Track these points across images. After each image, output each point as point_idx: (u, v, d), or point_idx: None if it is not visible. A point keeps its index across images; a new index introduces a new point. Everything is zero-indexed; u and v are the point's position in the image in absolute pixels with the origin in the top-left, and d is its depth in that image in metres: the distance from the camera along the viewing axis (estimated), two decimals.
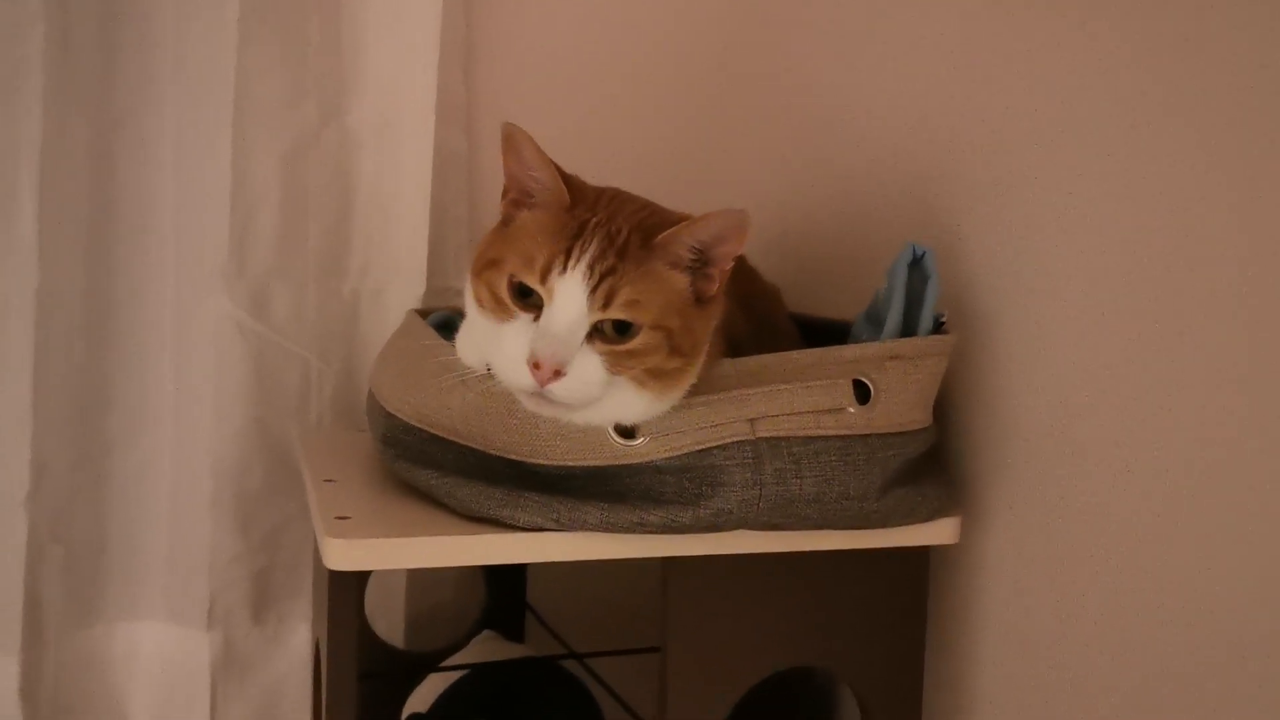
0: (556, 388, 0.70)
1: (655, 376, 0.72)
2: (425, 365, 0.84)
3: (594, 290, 0.70)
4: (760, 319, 0.92)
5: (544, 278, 0.71)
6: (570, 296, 0.70)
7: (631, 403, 0.73)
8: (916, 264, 0.85)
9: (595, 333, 0.71)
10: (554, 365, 0.70)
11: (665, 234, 0.72)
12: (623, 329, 0.71)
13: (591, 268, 0.71)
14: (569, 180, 0.76)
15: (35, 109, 1.04)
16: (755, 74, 1.26)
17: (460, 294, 1.15)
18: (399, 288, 1.19)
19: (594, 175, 1.06)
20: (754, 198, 1.25)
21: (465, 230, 1.23)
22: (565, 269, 0.71)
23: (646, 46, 1.29)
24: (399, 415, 0.85)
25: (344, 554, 0.75)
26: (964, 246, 0.90)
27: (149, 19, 1.09)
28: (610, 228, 0.73)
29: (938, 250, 0.88)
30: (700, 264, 0.74)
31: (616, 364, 0.71)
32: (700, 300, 0.74)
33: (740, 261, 0.95)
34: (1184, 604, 0.71)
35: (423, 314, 0.99)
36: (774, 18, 1.23)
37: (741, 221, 0.72)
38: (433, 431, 0.82)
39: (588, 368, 0.71)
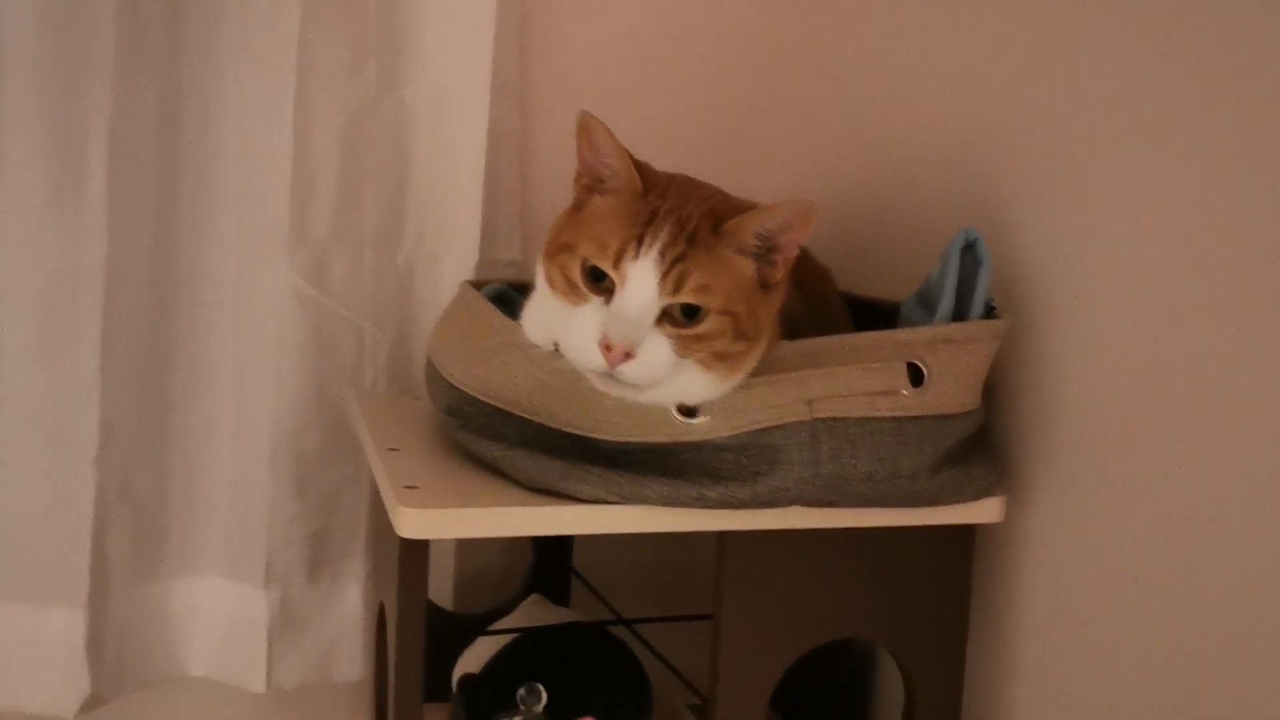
0: (626, 369, 0.73)
1: (721, 359, 0.75)
2: (489, 340, 0.87)
3: (665, 275, 0.73)
4: (815, 300, 0.94)
5: (617, 262, 0.74)
6: (642, 281, 0.73)
7: (696, 383, 0.76)
8: (969, 249, 0.88)
9: (665, 316, 0.74)
10: (625, 348, 0.72)
11: (733, 221, 0.75)
12: (691, 313, 0.74)
13: (663, 254, 0.73)
14: (641, 168, 0.78)
15: (105, 80, 1.06)
16: (808, 57, 1.28)
17: (511, 265, 1.17)
18: (452, 258, 1.21)
19: (647, 155, 1.08)
20: (804, 178, 1.27)
21: (517, 203, 1.24)
22: (638, 255, 0.73)
23: (703, 29, 1.31)
24: (463, 388, 0.88)
25: (416, 523, 0.78)
26: (1016, 232, 0.92)
27: None
28: (680, 214, 0.75)
29: (990, 236, 0.90)
30: (766, 250, 0.77)
31: (685, 347, 0.74)
32: (765, 286, 0.77)
33: None
34: (1221, 586, 0.73)
35: (476, 285, 1.01)
36: (820, 4, 1.24)
37: (808, 211, 0.75)
38: (497, 405, 0.85)
39: (657, 350, 0.73)
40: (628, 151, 0.78)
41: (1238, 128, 0.73)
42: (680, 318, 0.74)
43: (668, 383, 0.75)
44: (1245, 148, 0.72)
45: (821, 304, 0.96)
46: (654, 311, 0.73)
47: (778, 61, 1.30)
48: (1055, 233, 0.88)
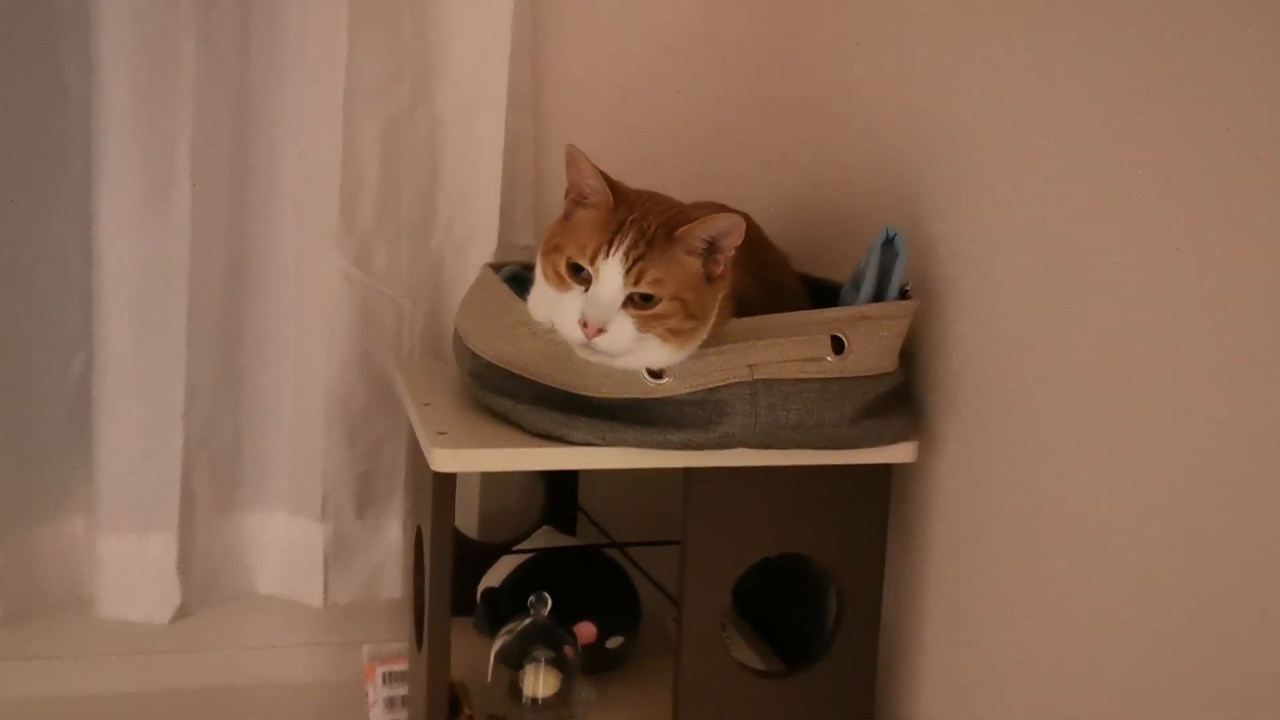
0: (599, 341, 0.95)
1: (675, 334, 0.96)
2: (503, 317, 1.09)
3: (628, 271, 0.95)
4: (770, 284, 1.15)
5: (593, 260, 0.95)
6: (611, 275, 0.95)
7: (658, 353, 0.97)
8: (889, 243, 1.08)
9: (629, 301, 0.95)
10: (598, 325, 0.94)
11: (682, 230, 0.96)
12: (648, 299, 0.95)
13: (627, 254, 0.95)
14: (614, 186, 1.00)
15: (189, 99, 1.27)
16: (779, 77, 1.48)
17: (525, 249, 1.38)
18: (476, 244, 1.42)
19: (638, 154, 1.30)
20: (774, 178, 1.48)
21: (531, 197, 1.45)
22: (608, 255, 0.95)
23: (689, 50, 1.50)
24: (483, 355, 1.10)
25: (446, 460, 1.01)
26: (932, 228, 1.13)
27: (275, 22, 1.32)
28: (643, 224, 0.96)
29: (912, 228, 1.11)
30: (710, 251, 0.98)
31: (644, 325, 0.95)
32: (709, 278, 0.98)
33: (755, 237, 1.20)
34: (1086, 506, 0.91)
35: (495, 268, 1.23)
36: (792, 26, 1.45)
37: (738, 224, 0.96)
38: (509, 369, 1.07)
39: (622, 328, 0.95)
40: (604, 175, 0.99)
41: (1111, 140, 0.92)
42: (640, 302, 0.96)
43: (634, 352, 0.97)
44: (1113, 161, 0.92)
45: (777, 287, 1.16)
46: (620, 298, 0.95)
47: (754, 78, 1.50)
48: (962, 229, 1.09)
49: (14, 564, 1.32)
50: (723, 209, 1.21)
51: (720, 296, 0.99)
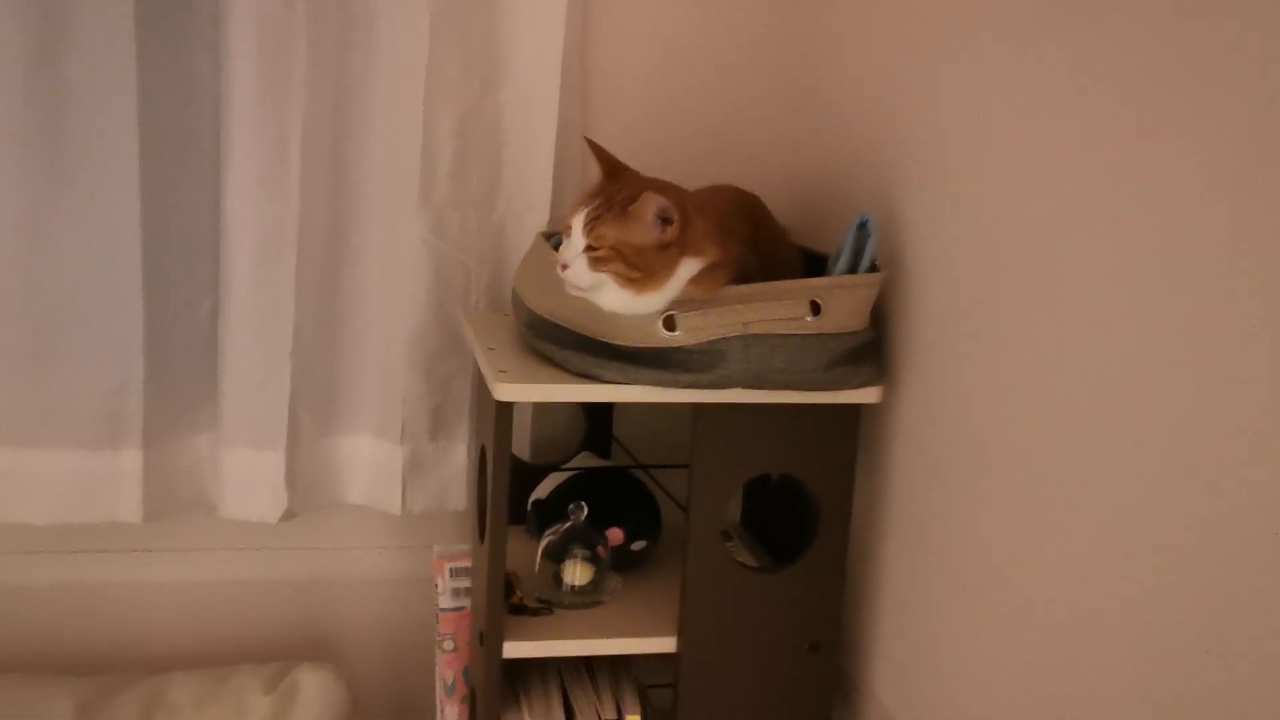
0: (566, 274, 1.23)
1: (627, 280, 1.22)
2: (552, 278, 1.35)
3: (586, 226, 1.22)
4: (767, 255, 1.40)
5: (571, 217, 1.23)
6: (576, 227, 1.23)
7: (617, 295, 1.24)
8: (862, 226, 1.33)
9: (587, 249, 1.22)
10: (563, 262, 1.23)
11: (631, 207, 1.22)
12: (596, 249, 1.22)
13: (589, 215, 1.22)
14: (613, 168, 1.27)
15: (300, 92, 1.53)
16: (784, 72, 1.72)
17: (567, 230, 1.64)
18: (532, 215, 1.67)
19: (666, 137, 1.54)
20: (781, 160, 1.72)
21: (578, 175, 1.70)
22: (578, 214, 1.23)
23: (709, 49, 1.73)
24: (535, 310, 1.37)
25: (505, 392, 1.28)
26: (902, 208, 1.37)
27: (370, 29, 1.58)
28: (611, 195, 1.23)
29: (886, 209, 1.36)
30: (664, 223, 1.23)
31: (594, 265, 1.22)
32: (662, 244, 1.22)
33: (759, 213, 1.46)
34: (1023, 436, 1.14)
35: (547, 235, 1.49)
36: (795, 29, 1.68)
37: (667, 207, 1.21)
38: (556, 321, 1.34)
39: (579, 266, 1.22)
40: (608, 159, 1.28)
41: (1040, 138, 1.16)
42: (592, 250, 1.23)
43: (599, 290, 1.23)
44: (1049, 143, 1.16)
45: (773, 257, 1.42)
46: (581, 245, 1.23)
47: (764, 74, 1.73)
48: (926, 210, 1.33)
49: (154, 472, 1.62)
50: (736, 191, 1.47)
51: (671, 259, 1.23)
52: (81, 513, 1.60)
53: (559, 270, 1.25)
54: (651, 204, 1.22)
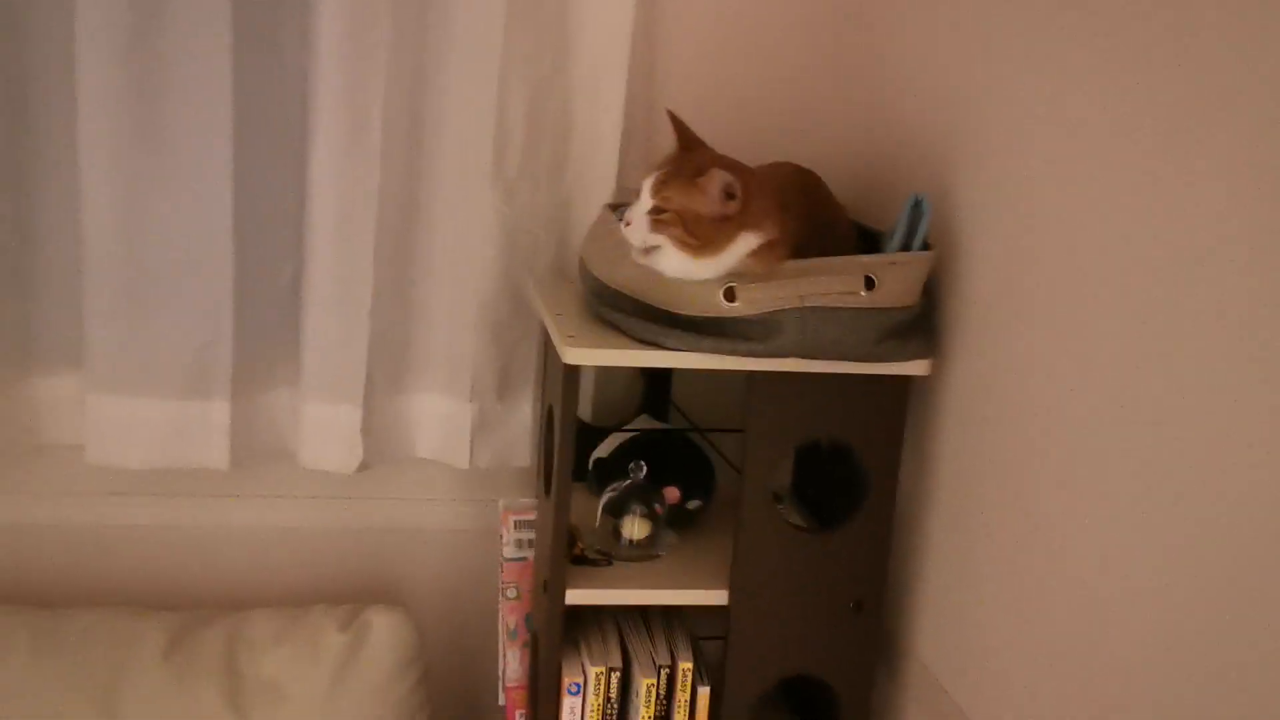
0: (628, 230, 1.32)
1: (682, 245, 1.30)
2: (617, 249, 1.43)
3: (654, 190, 1.30)
4: (824, 232, 1.46)
5: (643, 180, 1.32)
6: (645, 190, 1.31)
7: (674, 258, 1.32)
8: (916, 205, 1.40)
9: (653, 210, 1.30)
10: (629, 219, 1.31)
11: (699, 179, 1.29)
12: (659, 211, 1.30)
13: (656, 180, 1.31)
14: (687, 139, 1.35)
15: (381, 69, 1.61)
16: (847, 52, 1.78)
17: (636, 192, 1.73)
18: (598, 188, 1.73)
19: (729, 113, 1.61)
20: (840, 139, 1.78)
21: (643, 150, 1.77)
22: (649, 177, 1.31)
23: (769, 27, 1.79)
24: (601, 278, 1.45)
25: (573, 355, 1.36)
26: (956, 188, 1.43)
27: (447, 11, 1.65)
28: (681, 165, 1.32)
29: (939, 188, 1.42)
30: (727, 197, 1.30)
31: (653, 227, 1.31)
32: (723, 217, 1.30)
33: (818, 190, 1.52)
34: (1062, 407, 1.22)
35: (613, 207, 1.57)
36: (851, 9, 1.74)
37: (732, 184, 1.29)
38: (620, 289, 1.42)
39: (641, 223, 1.31)
40: (686, 131, 1.36)
41: (1086, 125, 1.22)
42: (656, 213, 1.31)
43: (656, 254, 1.32)
44: (1093, 129, 1.22)
45: (829, 234, 1.48)
46: (648, 205, 1.31)
47: (821, 53, 1.79)
48: (979, 193, 1.39)
49: (239, 423, 1.72)
50: (797, 169, 1.54)
51: (730, 231, 1.31)
52: (173, 458, 1.71)
53: (621, 227, 1.33)
54: (718, 179, 1.29)
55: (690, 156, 1.35)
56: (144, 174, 1.62)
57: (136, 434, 1.69)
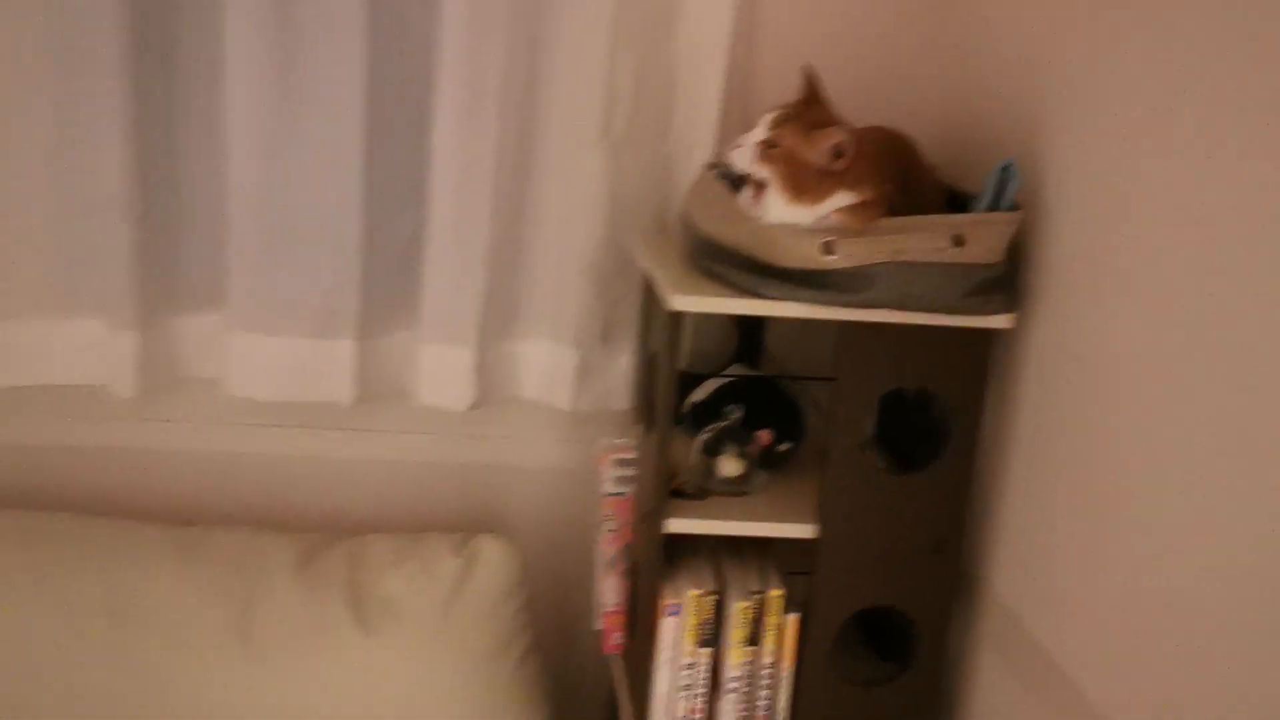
0: (734, 153, 1.44)
1: (783, 189, 1.42)
2: (717, 205, 1.53)
3: (770, 125, 1.42)
4: (914, 192, 1.55)
5: (762, 117, 1.43)
6: (760, 124, 1.44)
7: (776, 202, 1.43)
8: (1005, 169, 1.49)
9: (763, 142, 1.42)
10: (740, 143, 1.44)
11: (814, 134, 1.40)
12: (770, 145, 1.42)
13: (773, 119, 1.43)
14: (814, 94, 1.47)
15: (500, 44, 1.73)
16: (941, 20, 1.85)
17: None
18: (698, 149, 1.83)
19: (830, 76, 1.69)
20: (935, 104, 1.86)
21: (741, 113, 1.87)
22: (769, 114, 1.44)
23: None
24: (704, 232, 1.56)
25: (680, 302, 1.48)
26: (1044, 151, 1.51)
27: None
28: (804, 113, 1.44)
29: (1029, 151, 1.50)
30: (837, 156, 1.40)
31: (761, 157, 1.42)
32: (827, 171, 1.41)
33: (910, 152, 1.61)
34: (1131, 375, 1.32)
35: (712, 166, 1.67)
36: None
37: (847, 148, 1.39)
38: (722, 242, 1.53)
39: (750, 151, 1.43)
40: (817, 87, 1.47)
41: (1171, 96, 1.30)
42: (766, 146, 1.43)
43: (765, 198, 1.44)
44: (1182, 99, 1.30)
45: (920, 194, 1.57)
46: (760, 136, 1.44)
47: (916, 22, 1.88)
48: (1065, 154, 1.47)
49: (363, 362, 1.87)
50: (893, 132, 1.63)
51: (831, 186, 1.42)
52: (302, 393, 1.87)
53: (732, 151, 1.46)
54: (834, 137, 1.40)
55: (812, 109, 1.46)
56: (283, 133, 1.77)
57: (270, 369, 1.85)
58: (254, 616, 1.75)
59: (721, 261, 1.52)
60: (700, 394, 1.80)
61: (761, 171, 1.44)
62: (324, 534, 1.90)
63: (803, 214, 1.43)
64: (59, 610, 1.72)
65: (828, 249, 1.43)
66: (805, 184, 1.42)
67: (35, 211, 1.79)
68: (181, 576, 1.78)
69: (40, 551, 1.77)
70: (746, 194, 1.48)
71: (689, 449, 1.70)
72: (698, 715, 1.62)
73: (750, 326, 1.91)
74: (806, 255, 1.44)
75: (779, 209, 1.44)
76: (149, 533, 1.84)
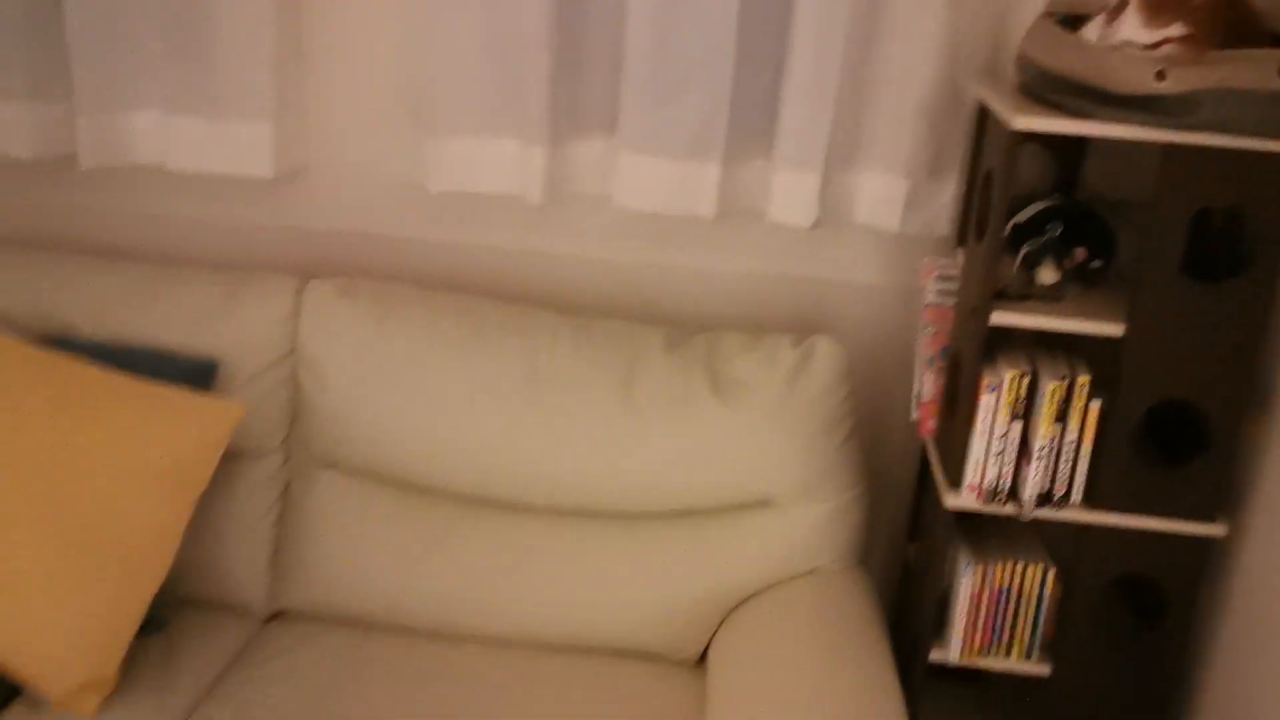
0: None
1: (1140, 6, 1.65)
2: (1055, 41, 1.78)
3: None
4: (1240, 33, 1.74)
5: None
6: None
7: (1132, 21, 1.66)
8: None
9: None
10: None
11: None
12: None
13: None
14: None
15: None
16: None
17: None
18: (1032, 1, 2.10)
19: None
20: None
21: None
22: None
23: None
24: (1042, 64, 1.81)
25: (1021, 122, 1.74)
26: None
27: None
28: None
29: None
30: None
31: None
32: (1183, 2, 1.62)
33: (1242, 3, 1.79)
34: None
35: (1049, 14, 1.90)
36: None
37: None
38: (1059, 72, 1.77)
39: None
40: None
41: None
42: None
43: (1122, 19, 1.66)
44: None
45: (1247, 36, 1.76)
46: None
47: None
48: None
49: (726, 182, 2.22)
50: None
51: (1175, 17, 1.62)
52: (675, 207, 2.24)
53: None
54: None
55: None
56: None
57: (650, 185, 2.24)
58: (633, 382, 2.17)
59: (1058, 90, 1.77)
60: (1022, 217, 2.06)
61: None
62: (685, 328, 2.30)
63: (1150, 35, 1.65)
64: (488, 370, 2.19)
65: (1160, 75, 1.66)
66: (1163, 7, 1.63)
67: (470, 46, 2.22)
68: (576, 350, 2.21)
69: (474, 326, 2.25)
70: (1098, 20, 1.70)
71: (1010, 264, 1.97)
72: (1006, 479, 1.93)
73: (1069, 154, 2.14)
74: (1141, 81, 1.67)
75: (1131, 27, 1.65)
76: (549, 317, 2.28)
